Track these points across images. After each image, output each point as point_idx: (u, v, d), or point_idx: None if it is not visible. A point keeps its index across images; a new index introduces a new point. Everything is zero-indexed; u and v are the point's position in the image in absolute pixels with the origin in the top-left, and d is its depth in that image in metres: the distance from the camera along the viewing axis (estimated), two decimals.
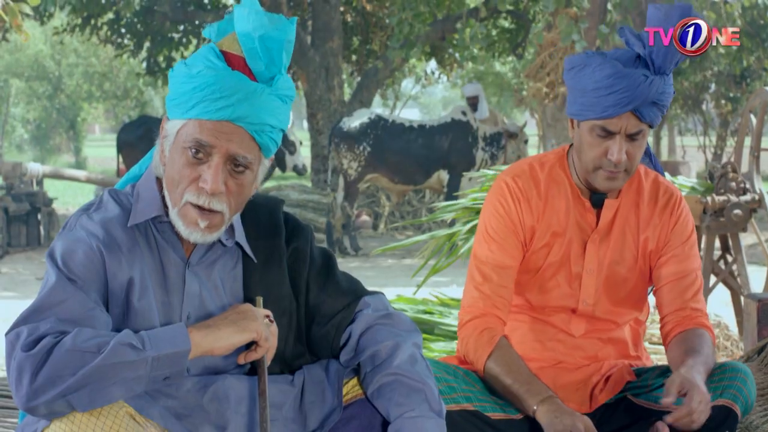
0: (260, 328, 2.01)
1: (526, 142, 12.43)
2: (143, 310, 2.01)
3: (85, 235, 2.00)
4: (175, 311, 2.05)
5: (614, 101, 2.49)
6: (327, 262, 2.22)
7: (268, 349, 2.05)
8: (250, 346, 2.04)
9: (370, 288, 2.28)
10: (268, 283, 2.13)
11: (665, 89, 2.52)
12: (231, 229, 2.10)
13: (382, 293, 2.27)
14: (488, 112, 13.20)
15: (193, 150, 1.98)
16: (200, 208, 1.99)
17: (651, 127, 2.56)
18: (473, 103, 13.01)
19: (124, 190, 2.12)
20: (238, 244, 2.12)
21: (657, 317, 4.83)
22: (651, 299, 2.81)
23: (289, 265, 2.16)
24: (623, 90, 2.48)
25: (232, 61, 2.00)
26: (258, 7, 1.99)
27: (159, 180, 2.09)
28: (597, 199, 2.67)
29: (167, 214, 2.05)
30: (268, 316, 2.07)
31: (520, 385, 2.50)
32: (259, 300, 2.12)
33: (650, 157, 2.86)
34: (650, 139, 2.67)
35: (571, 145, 2.70)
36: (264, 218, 2.17)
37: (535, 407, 2.45)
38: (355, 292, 2.22)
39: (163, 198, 2.06)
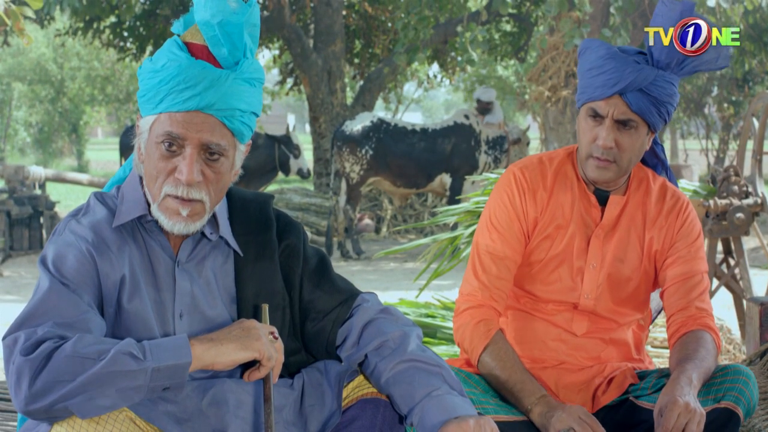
0: (263, 347, 2.00)
1: (528, 145, 12.42)
2: (136, 307, 2.01)
3: (75, 239, 2.01)
4: (168, 309, 2.05)
5: (602, 82, 2.54)
6: (321, 260, 2.23)
7: (272, 366, 2.04)
8: (254, 363, 2.04)
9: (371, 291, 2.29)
10: (259, 278, 2.13)
11: (658, 83, 2.53)
12: (215, 222, 2.10)
13: (374, 293, 2.28)
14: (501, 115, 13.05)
15: (167, 143, 1.99)
16: (180, 198, 2.00)
17: (647, 123, 2.56)
18: (488, 108, 12.87)
19: (110, 192, 2.13)
20: (226, 241, 2.12)
21: (659, 321, 4.83)
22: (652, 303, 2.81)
23: (282, 261, 2.17)
24: (611, 71, 2.52)
25: (195, 51, 2.00)
26: None
27: (143, 180, 2.09)
28: (600, 194, 2.68)
29: (152, 213, 2.05)
30: (272, 332, 2.06)
31: (514, 383, 2.52)
32: (265, 308, 2.11)
33: (667, 172, 2.86)
34: None
35: None
36: (254, 213, 2.17)
37: (528, 407, 2.48)
38: (350, 290, 2.23)
39: (147, 197, 2.06)
